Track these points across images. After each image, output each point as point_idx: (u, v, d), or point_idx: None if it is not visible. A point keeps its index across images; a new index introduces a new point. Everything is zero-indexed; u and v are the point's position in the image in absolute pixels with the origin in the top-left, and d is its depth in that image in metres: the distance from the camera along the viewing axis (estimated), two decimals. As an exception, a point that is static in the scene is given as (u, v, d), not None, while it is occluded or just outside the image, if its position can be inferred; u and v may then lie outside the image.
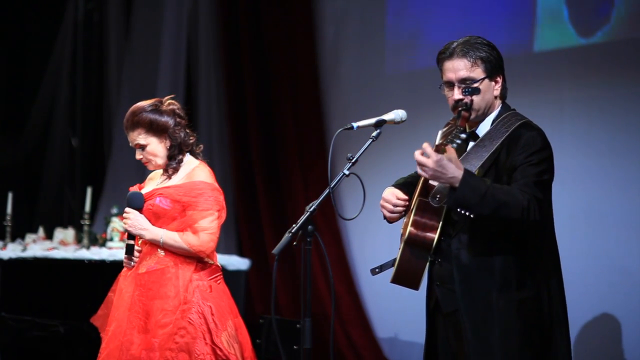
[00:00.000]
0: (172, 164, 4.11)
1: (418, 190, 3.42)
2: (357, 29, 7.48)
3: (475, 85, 3.37)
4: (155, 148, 4.08)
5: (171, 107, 4.12)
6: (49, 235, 7.57)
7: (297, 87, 7.73)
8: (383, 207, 3.51)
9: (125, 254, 4.07)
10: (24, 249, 7.11)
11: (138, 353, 3.91)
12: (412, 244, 3.36)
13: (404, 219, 3.50)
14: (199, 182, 4.03)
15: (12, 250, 7.06)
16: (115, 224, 7.02)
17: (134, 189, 4.18)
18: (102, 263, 6.78)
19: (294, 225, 3.30)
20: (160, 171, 4.17)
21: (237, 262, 7.25)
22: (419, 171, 3.21)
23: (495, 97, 3.44)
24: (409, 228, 3.35)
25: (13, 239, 7.43)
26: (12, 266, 6.92)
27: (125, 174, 8.01)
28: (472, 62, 3.38)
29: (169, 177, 4.12)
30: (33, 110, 8.99)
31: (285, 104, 7.75)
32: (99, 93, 9.08)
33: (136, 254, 4.07)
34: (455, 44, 3.42)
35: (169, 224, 4.02)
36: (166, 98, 4.16)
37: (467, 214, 3.21)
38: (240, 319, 4.10)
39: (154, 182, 4.20)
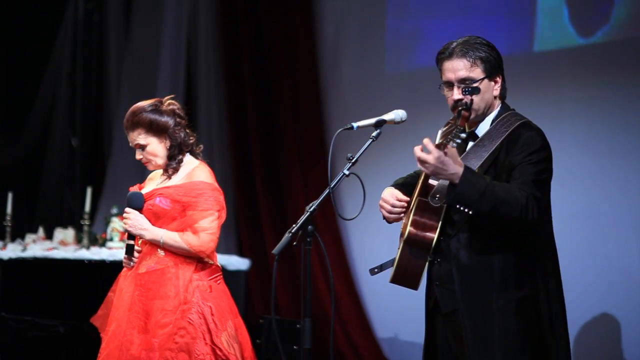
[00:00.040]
0: (172, 164, 4.11)
1: (417, 189, 3.42)
2: (357, 29, 7.48)
3: (475, 85, 3.37)
4: (155, 148, 4.08)
5: (171, 107, 4.12)
6: (49, 235, 7.57)
7: (297, 87, 7.73)
8: (382, 207, 3.51)
9: (125, 254, 4.07)
10: (24, 249, 7.11)
11: (138, 353, 3.91)
12: (411, 244, 3.36)
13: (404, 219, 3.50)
14: (199, 182, 4.03)
15: (12, 250, 7.06)
16: (115, 224, 7.02)
17: (134, 189, 4.18)
18: (102, 263, 6.78)
19: (294, 225, 3.30)
20: (160, 171, 4.17)
21: (237, 262, 7.25)
22: (419, 167, 3.21)
23: (495, 97, 3.44)
24: (409, 228, 3.35)
25: (13, 239, 7.43)
26: (12, 266, 6.92)
27: (125, 174, 8.01)
28: (471, 62, 3.38)
29: (169, 177, 4.12)
30: (33, 110, 8.99)
31: (285, 104, 7.75)
32: (99, 93, 9.08)
33: (136, 254, 4.07)
34: (454, 44, 3.42)
35: (169, 224, 4.02)
36: (166, 98, 4.16)
37: (466, 210, 3.21)
38: (240, 319, 4.10)
39: (154, 182, 4.20)
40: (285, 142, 7.73)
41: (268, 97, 7.89)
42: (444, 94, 3.45)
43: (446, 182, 3.25)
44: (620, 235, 5.69)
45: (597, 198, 5.81)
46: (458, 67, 3.37)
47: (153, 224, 4.03)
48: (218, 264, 4.13)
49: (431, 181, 3.36)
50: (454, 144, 3.16)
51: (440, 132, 3.51)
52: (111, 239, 7.06)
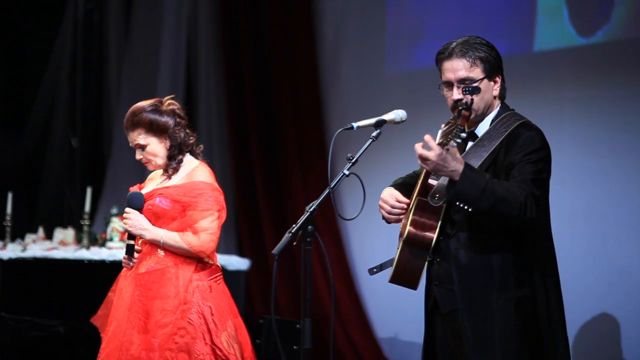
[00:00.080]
0: (172, 164, 4.11)
1: (417, 189, 3.42)
2: (357, 29, 7.48)
3: (475, 85, 3.37)
4: (155, 148, 4.08)
5: (171, 107, 4.12)
6: (49, 236, 7.57)
7: (297, 87, 7.73)
8: (382, 207, 3.51)
9: (126, 254, 4.07)
10: (24, 249, 7.11)
11: (138, 353, 3.91)
12: (410, 244, 3.36)
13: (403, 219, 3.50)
14: (199, 182, 4.03)
15: (12, 251, 7.06)
16: (115, 224, 7.02)
17: (134, 189, 4.18)
18: (102, 263, 6.78)
19: (294, 225, 3.30)
20: (160, 171, 4.17)
21: (237, 262, 7.25)
22: (420, 164, 3.21)
23: (494, 97, 3.45)
24: (408, 227, 3.35)
25: (13, 239, 7.43)
26: (12, 266, 6.92)
27: (125, 174, 8.01)
28: (471, 62, 3.38)
29: (169, 177, 4.12)
30: (33, 110, 8.99)
31: (285, 104, 7.75)
32: (99, 93, 9.08)
33: (135, 254, 4.07)
34: (454, 44, 3.42)
35: (169, 224, 4.02)
36: (166, 98, 4.16)
37: (466, 207, 3.21)
38: (240, 319, 4.10)
39: (154, 182, 4.20)
40: (285, 142, 7.73)
41: (268, 97, 7.89)
42: (443, 94, 3.45)
43: (445, 182, 3.26)
44: (620, 235, 5.69)
45: (597, 198, 5.81)
46: (458, 67, 3.38)
47: (153, 224, 4.03)
48: (218, 264, 4.13)
49: (431, 181, 3.37)
50: (454, 144, 3.16)
51: (440, 131, 3.51)
52: (111, 239, 7.06)
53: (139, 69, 8.74)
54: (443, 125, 3.40)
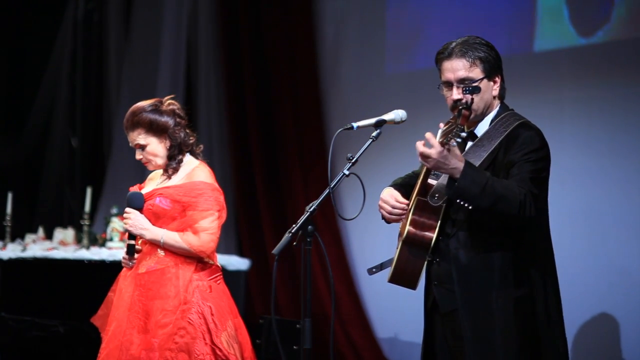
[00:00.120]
0: (172, 164, 4.11)
1: (417, 189, 3.42)
2: (357, 29, 7.48)
3: (475, 84, 3.37)
4: (155, 148, 4.08)
5: (171, 107, 4.12)
6: (49, 236, 7.57)
7: (297, 87, 7.73)
8: (382, 207, 3.51)
9: (126, 254, 4.07)
10: (24, 249, 7.11)
11: (138, 353, 3.91)
12: (410, 243, 3.37)
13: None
14: (199, 182, 4.03)
15: (12, 251, 7.06)
16: (115, 224, 7.02)
17: (134, 189, 4.18)
18: (101, 263, 6.78)
19: (294, 225, 3.30)
20: (160, 171, 4.17)
21: (237, 262, 7.25)
22: (421, 162, 3.21)
23: (494, 97, 3.45)
24: (408, 227, 3.35)
25: (13, 239, 7.43)
26: (12, 266, 6.92)
27: (125, 174, 8.01)
28: (470, 62, 3.38)
29: (169, 177, 4.12)
30: (33, 110, 8.99)
31: (285, 104, 7.75)
32: (99, 93, 9.08)
33: (136, 254, 4.07)
34: (453, 44, 3.43)
35: (169, 224, 4.02)
36: (166, 98, 4.16)
37: (466, 205, 3.21)
38: (240, 319, 4.10)
39: (154, 182, 4.20)
40: (285, 142, 7.73)
41: (268, 97, 7.89)
42: (443, 93, 3.45)
43: (445, 182, 3.26)
44: (620, 235, 5.69)
45: (597, 198, 5.81)
46: (457, 67, 3.38)
47: (153, 224, 4.03)
48: (218, 264, 4.13)
49: (430, 181, 3.37)
50: (454, 143, 3.17)
51: (440, 131, 3.51)
52: (111, 239, 7.06)
53: (139, 69, 8.74)
54: (442, 125, 3.40)
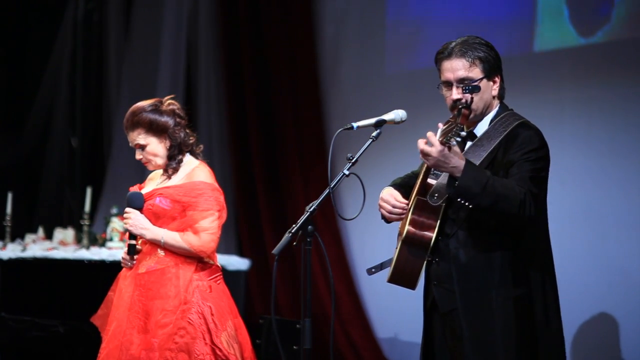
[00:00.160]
0: (172, 164, 4.11)
1: (416, 189, 3.42)
2: (357, 29, 7.48)
3: (475, 84, 3.37)
4: (155, 148, 4.08)
5: (171, 107, 4.12)
6: (49, 236, 7.57)
7: (297, 87, 7.73)
8: (382, 207, 3.51)
9: (128, 254, 4.07)
10: (24, 249, 7.11)
11: (138, 353, 3.91)
12: (409, 243, 3.36)
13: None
14: (199, 182, 4.03)
15: (11, 251, 7.06)
16: (115, 224, 7.02)
17: (134, 189, 4.18)
18: (101, 263, 6.78)
19: (294, 225, 3.30)
20: (160, 171, 4.17)
21: (237, 262, 7.25)
22: (421, 159, 3.21)
23: (493, 97, 3.45)
24: (407, 227, 3.35)
25: (13, 239, 7.43)
26: (11, 266, 6.92)
27: (125, 174, 8.00)
28: (470, 62, 3.38)
29: (169, 177, 4.12)
30: (33, 110, 8.99)
31: (285, 104, 7.75)
32: (99, 93, 9.08)
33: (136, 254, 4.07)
34: (453, 43, 3.43)
35: (168, 224, 4.02)
36: (166, 98, 4.16)
37: (466, 204, 3.21)
38: (240, 319, 4.10)
39: (154, 182, 4.20)
40: (285, 142, 7.73)
41: (268, 97, 7.89)
42: (442, 93, 3.45)
43: (445, 182, 3.26)
44: (620, 235, 5.68)
45: (597, 198, 5.81)
46: (457, 67, 3.38)
47: (153, 224, 4.03)
48: (218, 264, 4.13)
49: (430, 180, 3.37)
50: (454, 142, 3.17)
51: (439, 130, 3.51)
52: (111, 239, 7.06)
53: (139, 69, 8.74)
54: (442, 125, 3.40)
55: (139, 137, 4.07)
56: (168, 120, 4.07)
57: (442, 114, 3.57)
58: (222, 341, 3.95)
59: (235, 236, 8.05)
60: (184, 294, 3.95)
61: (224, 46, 8.16)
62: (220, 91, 8.26)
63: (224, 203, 4.09)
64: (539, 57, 6.24)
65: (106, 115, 8.97)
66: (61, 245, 7.28)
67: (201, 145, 4.21)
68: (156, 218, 4.03)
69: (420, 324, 3.54)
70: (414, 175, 3.61)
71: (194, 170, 4.09)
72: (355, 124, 3.40)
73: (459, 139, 3.18)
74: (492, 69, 3.41)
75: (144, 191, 4.13)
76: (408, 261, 3.38)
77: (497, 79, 3.44)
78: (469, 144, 3.43)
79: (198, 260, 4.02)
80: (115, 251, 6.78)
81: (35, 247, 7.21)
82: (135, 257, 4.05)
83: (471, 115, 3.39)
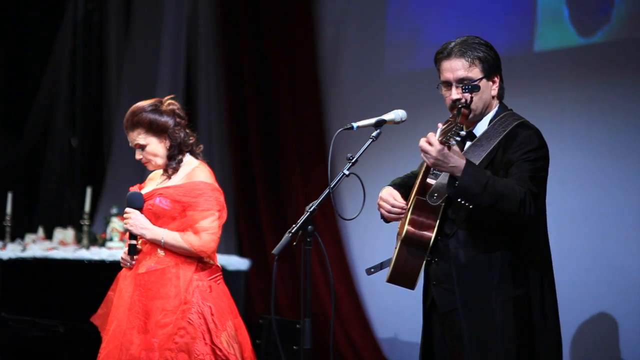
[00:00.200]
0: (172, 164, 4.11)
1: (416, 188, 3.42)
2: (357, 29, 7.48)
3: (474, 83, 3.37)
4: (155, 148, 4.08)
5: (171, 107, 4.12)
6: (49, 236, 7.57)
7: (297, 87, 7.73)
8: (381, 206, 3.51)
9: (128, 254, 4.07)
10: (24, 249, 7.11)
11: (137, 353, 3.91)
12: (409, 243, 3.36)
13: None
14: (199, 182, 4.03)
15: (11, 251, 7.06)
16: (115, 224, 7.02)
17: (134, 189, 4.18)
18: (101, 263, 6.78)
19: (294, 225, 3.30)
20: (160, 171, 4.17)
21: (237, 262, 7.25)
22: (422, 158, 3.21)
23: (493, 97, 3.45)
24: (406, 227, 3.35)
25: (13, 239, 7.44)
26: (11, 266, 6.92)
27: (125, 174, 8.00)
28: (469, 62, 3.38)
29: (169, 177, 4.12)
30: (33, 110, 8.99)
31: (285, 104, 7.75)
32: (99, 93, 9.08)
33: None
34: (452, 43, 3.43)
35: (168, 224, 4.03)
36: (166, 98, 4.16)
37: (466, 204, 3.21)
38: (240, 319, 4.10)
39: (153, 182, 4.20)
40: (285, 142, 7.73)
41: (268, 97, 7.89)
42: (442, 93, 3.46)
43: (444, 181, 3.26)
44: (620, 235, 5.68)
45: (597, 198, 5.81)
46: (456, 67, 3.38)
47: (153, 224, 4.03)
48: (218, 264, 4.13)
49: (429, 180, 3.37)
50: (453, 142, 3.17)
51: (439, 130, 3.51)
52: (111, 239, 7.06)
53: (139, 69, 8.74)
54: (441, 125, 3.40)
55: (139, 137, 4.07)
56: (168, 120, 4.07)
57: (442, 114, 3.57)
58: (222, 341, 3.95)
59: (235, 236, 8.05)
60: (184, 294, 3.95)
61: (224, 46, 8.16)
62: (220, 91, 8.26)
63: (224, 203, 4.09)
64: (539, 57, 6.24)
65: (106, 115, 8.97)
66: (61, 245, 7.28)
67: (201, 145, 4.21)
68: (156, 218, 4.03)
69: (420, 324, 3.54)
70: (413, 176, 3.61)
71: (194, 170, 4.09)
72: (355, 124, 3.40)
73: (458, 139, 3.18)
74: (491, 69, 3.41)
75: (144, 191, 4.13)
76: (407, 261, 3.38)
77: (497, 79, 3.44)
78: (468, 144, 3.43)
79: (198, 260, 4.02)
80: (115, 251, 6.78)
81: (35, 247, 7.21)
82: (135, 257, 4.05)
83: (470, 115, 3.39)
